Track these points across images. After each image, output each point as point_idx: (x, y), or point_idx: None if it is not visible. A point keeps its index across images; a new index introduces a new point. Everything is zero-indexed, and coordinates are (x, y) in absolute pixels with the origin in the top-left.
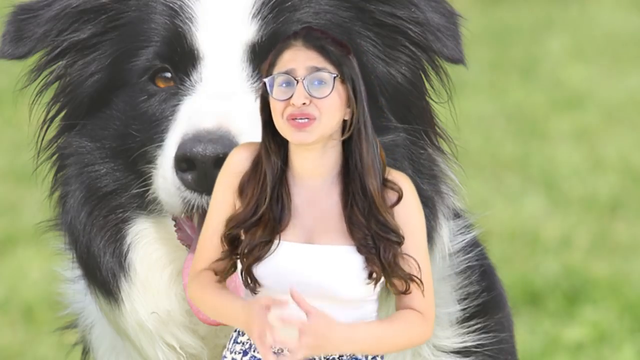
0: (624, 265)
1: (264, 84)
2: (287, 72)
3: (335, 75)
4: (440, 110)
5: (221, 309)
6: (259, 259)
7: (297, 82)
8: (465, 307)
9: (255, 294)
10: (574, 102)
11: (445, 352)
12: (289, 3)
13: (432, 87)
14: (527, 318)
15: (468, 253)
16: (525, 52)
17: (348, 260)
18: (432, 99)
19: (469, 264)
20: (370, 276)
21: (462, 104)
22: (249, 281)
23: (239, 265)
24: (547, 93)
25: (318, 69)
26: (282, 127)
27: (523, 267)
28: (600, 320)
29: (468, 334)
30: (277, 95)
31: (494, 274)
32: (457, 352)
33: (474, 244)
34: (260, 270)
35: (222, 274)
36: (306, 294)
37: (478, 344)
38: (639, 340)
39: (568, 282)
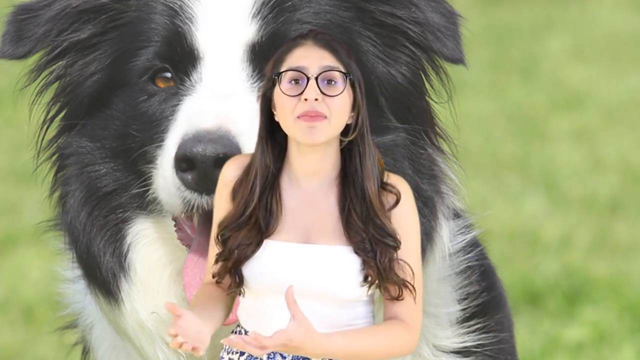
0: (624, 265)
1: (268, 80)
2: (298, 69)
3: (348, 75)
4: (440, 110)
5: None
6: (242, 259)
7: (308, 80)
8: (465, 307)
9: (241, 294)
10: (574, 102)
11: (445, 352)
12: (289, 3)
13: (432, 87)
14: (527, 318)
15: (468, 253)
16: (525, 52)
17: (345, 261)
18: (432, 99)
19: (469, 264)
20: (365, 279)
21: (462, 104)
22: (235, 281)
23: None
24: (547, 93)
25: (331, 68)
26: (291, 126)
27: (523, 267)
28: (600, 320)
29: (468, 334)
30: (286, 91)
31: (494, 274)
32: (457, 352)
33: (474, 244)
34: (248, 270)
35: (218, 277)
36: (299, 293)
37: (478, 344)
38: (639, 340)
39: (568, 282)
